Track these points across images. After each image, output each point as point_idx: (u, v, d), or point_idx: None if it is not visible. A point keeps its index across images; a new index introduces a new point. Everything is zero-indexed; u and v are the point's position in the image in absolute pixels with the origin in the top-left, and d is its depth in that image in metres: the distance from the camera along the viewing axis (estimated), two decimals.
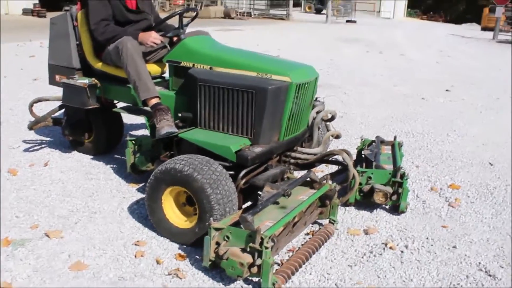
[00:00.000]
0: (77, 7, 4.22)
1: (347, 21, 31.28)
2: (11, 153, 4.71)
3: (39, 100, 4.79)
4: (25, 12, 24.96)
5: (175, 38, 3.88)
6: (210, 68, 3.53)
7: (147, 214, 3.31)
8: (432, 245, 3.28)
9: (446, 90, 8.83)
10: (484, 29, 31.06)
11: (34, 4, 25.14)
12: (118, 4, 4.00)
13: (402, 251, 3.19)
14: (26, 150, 4.80)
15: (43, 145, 4.94)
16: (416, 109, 7.18)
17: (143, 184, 4.02)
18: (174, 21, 4.05)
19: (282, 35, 18.37)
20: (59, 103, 4.54)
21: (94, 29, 3.95)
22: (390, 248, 3.22)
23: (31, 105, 4.73)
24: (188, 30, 3.90)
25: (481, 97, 8.39)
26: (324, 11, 34.04)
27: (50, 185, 4.03)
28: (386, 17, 45.58)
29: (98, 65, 4.14)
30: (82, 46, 4.20)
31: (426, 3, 66.75)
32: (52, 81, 4.50)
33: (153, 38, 3.82)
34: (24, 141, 5.04)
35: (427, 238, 3.37)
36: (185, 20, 3.90)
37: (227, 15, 28.53)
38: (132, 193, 3.92)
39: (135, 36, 3.84)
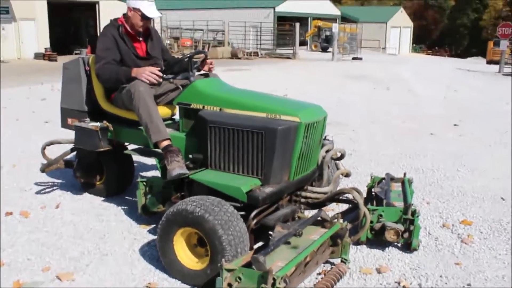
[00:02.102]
0: (87, 51, 4.34)
1: (353, 58, 31.60)
2: (23, 195, 4.76)
3: (51, 143, 4.87)
4: (37, 56, 25.54)
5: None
6: (220, 109, 3.58)
7: (158, 255, 3.30)
8: (446, 283, 3.25)
9: (455, 125, 8.85)
10: (489, 62, 31.27)
11: (46, 49, 25.74)
12: (128, 51, 4.09)
13: None
14: (38, 192, 4.84)
15: (54, 187, 4.98)
16: (425, 145, 7.18)
17: (154, 225, 4.03)
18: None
19: (289, 74, 18.58)
20: (71, 145, 4.61)
21: (96, 73, 4.04)
22: (404, 287, 3.18)
23: (43, 148, 4.80)
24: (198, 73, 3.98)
25: (490, 131, 8.39)
26: (330, 49, 34.47)
27: (61, 227, 4.05)
28: (392, 53, 46.06)
29: (109, 108, 4.21)
30: (94, 90, 4.28)
31: (431, 39, 67.46)
32: (64, 124, 4.58)
33: (148, 72, 3.84)
34: (36, 184, 5.09)
35: (440, 276, 3.33)
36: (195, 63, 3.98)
37: (234, 55, 28.95)
38: (143, 234, 3.93)
39: (128, 72, 3.90)
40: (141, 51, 4.19)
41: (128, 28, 4.11)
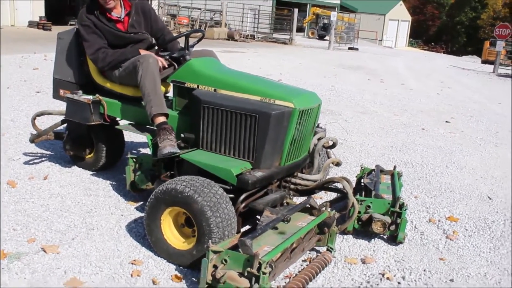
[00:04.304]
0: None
1: (350, 48, 31.53)
2: (11, 164, 4.71)
3: (42, 114, 4.81)
4: (31, 24, 25.18)
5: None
6: (215, 90, 3.55)
7: (145, 233, 3.30)
8: (429, 277, 3.27)
9: (446, 122, 8.88)
10: (484, 62, 31.33)
11: (40, 17, 25.38)
12: (108, 29, 4.01)
13: (399, 282, 3.18)
14: (26, 162, 4.80)
15: (43, 159, 4.94)
16: (415, 139, 7.21)
17: (142, 202, 4.02)
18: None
19: (285, 59, 18.50)
20: (62, 117, 4.56)
21: (94, 60, 4.00)
22: (387, 278, 3.21)
23: (33, 118, 4.74)
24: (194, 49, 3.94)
25: (481, 130, 8.44)
26: (327, 37, 34.35)
27: (48, 199, 4.02)
28: (388, 46, 46.04)
29: (103, 82, 4.17)
30: (87, 62, 4.22)
31: (428, 34, 67.50)
32: (56, 95, 4.52)
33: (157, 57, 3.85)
34: (25, 154, 5.04)
35: (424, 270, 3.36)
36: (191, 41, 3.94)
37: (230, 37, 28.74)
38: (130, 211, 3.92)
39: (135, 54, 3.87)
40: (122, 28, 4.10)
41: (103, 8, 4.02)
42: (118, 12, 4.10)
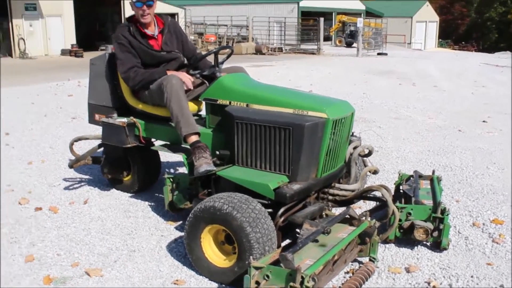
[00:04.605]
0: (113, 47, 4.33)
1: (378, 53, 31.30)
2: (52, 190, 4.82)
3: (79, 139, 4.92)
4: (64, 52, 25.95)
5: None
6: (247, 105, 3.56)
7: (185, 252, 3.31)
8: (477, 284, 3.18)
9: (483, 121, 8.68)
10: None
11: (72, 45, 26.11)
12: (142, 47, 4.06)
13: None
14: (66, 188, 4.90)
15: (82, 183, 5.04)
16: (453, 142, 7.06)
17: (181, 222, 4.04)
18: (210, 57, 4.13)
19: (314, 70, 18.47)
20: (99, 141, 4.64)
21: (125, 78, 4.06)
22: (434, 287, 3.13)
23: (71, 144, 4.85)
24: (223, 67, 3.96)
25: None
26: (354, 45, 34.17)
27: (89, 223, 4.09)
28: (417, 49, 45.49)
29: (136, 104, 4.23)
30: (120, 85, 4.29)
31: (458, 33, 66.43)
32: (92, 120, 4.61)
33: (184, 74, 3.89)
34: (64, 179, 5.15)
35: (471, 276, 3.27)
36: (220, 58, 3.97)
37: (258, 51, 28.93)
38: (170, 231, 3.95)
39: (163, 75, 3.91)
40: (156, 45, 4.16)
41: (139, 25, 4.10)
42: (152, 30, 4.17)
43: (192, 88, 3.96)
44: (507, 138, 7.41)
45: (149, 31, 4.12)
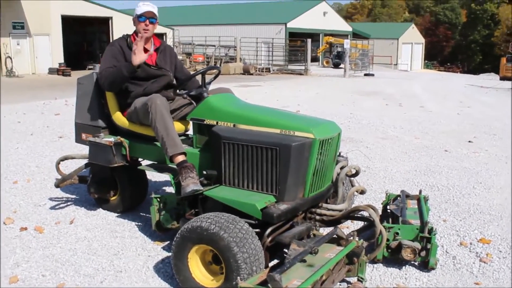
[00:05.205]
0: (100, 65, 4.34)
1: (365, 74, 31.60)
2: (37, 210, 4.77)
3: (65, 158, 4.89)
4: (51, 71, 25.90)
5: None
6: (234, 125, 3.57)
7: (173, 273, 3.28)
8: None
9: (469, 142, 8.76)
10: (502, 78, 31.01)
11: (60, 64, 26.08)
12: None
13: None
14: (52, 207, 4.85)
15: (69, 203, 4.99)
16: (439, 162, 7.11)
17: (168, 242, 4.01)
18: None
19: (301, 90, 18.59)
20: (85, 161, 4.62)
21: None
22: None
23: (58, 163, 4.82)
24: (211, 87, 3.98)
25: (505, 148, 8.30)
26: (342, 65, 34.50)
27: (75, 243, 4.04)
28: (404, 70, 46.04)
29: (123, 124, 4.22)
30: (108, 105, 4.29)
31: (443, 55, 67.41)
32: (79, 139, 4.59)
33: (138, 39, 3.92)
34: (50, 199, 5.10)
35: None
36: (207, 78, 3.99)
37: (246, 71, 29.07)
38: (157, 251, 3.91)
39: (129, 66, 3.92)
40: (150, 61, 4.20)
41: None
42: (149, 46, 4.24)
43: (145, 58, 3.98)
44: (493, 157, 7.49)
45: (145, 46, 4.16)
